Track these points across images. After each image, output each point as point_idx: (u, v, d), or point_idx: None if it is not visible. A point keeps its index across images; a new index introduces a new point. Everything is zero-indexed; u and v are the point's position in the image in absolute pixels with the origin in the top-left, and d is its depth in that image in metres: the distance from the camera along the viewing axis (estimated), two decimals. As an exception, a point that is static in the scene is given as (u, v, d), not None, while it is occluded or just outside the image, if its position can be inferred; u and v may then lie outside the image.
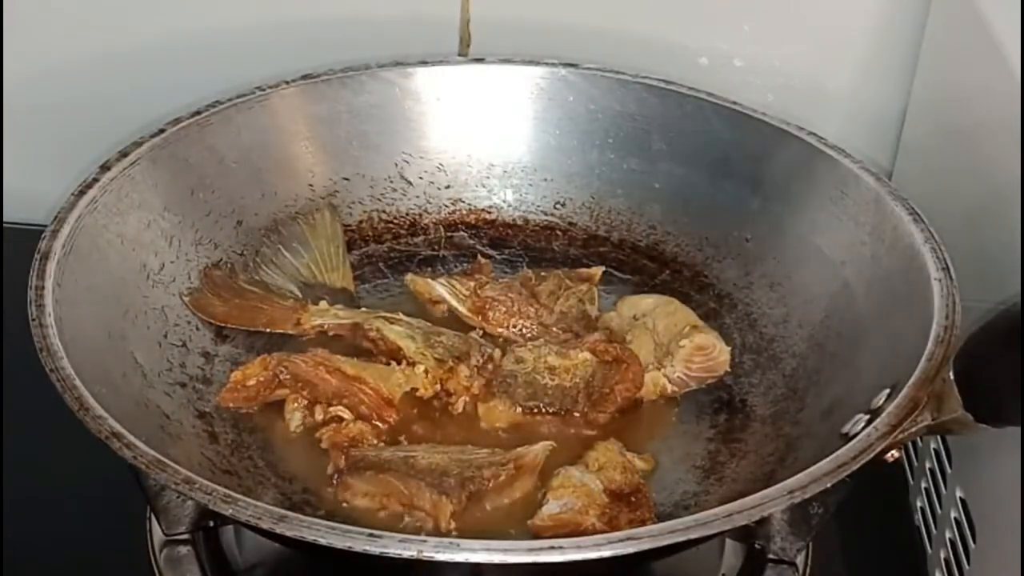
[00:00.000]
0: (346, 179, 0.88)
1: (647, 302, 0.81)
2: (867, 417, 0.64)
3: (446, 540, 0.54)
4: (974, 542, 0.71)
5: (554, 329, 0.80)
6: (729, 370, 0.77)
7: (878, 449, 0.60)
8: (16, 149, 1.01)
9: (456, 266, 0.88)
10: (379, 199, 0.89)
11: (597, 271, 0.85)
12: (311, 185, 0.87)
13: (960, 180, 0.82)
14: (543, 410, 0.74)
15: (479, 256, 0.87)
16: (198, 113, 0.82)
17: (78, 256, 0.71)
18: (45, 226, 0.71)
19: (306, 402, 0.73)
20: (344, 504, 0.68)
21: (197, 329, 0.78)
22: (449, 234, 0.90)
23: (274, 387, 0.73)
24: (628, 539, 0.54)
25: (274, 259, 0.83)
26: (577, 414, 0.74)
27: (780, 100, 0.97)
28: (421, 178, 0.90)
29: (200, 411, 0.73)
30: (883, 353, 0.70)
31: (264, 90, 0.85)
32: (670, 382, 0.76)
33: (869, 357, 0.71)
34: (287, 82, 0.86)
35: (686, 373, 0.76)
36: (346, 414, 0.72)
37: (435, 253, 0.89)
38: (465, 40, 0.98)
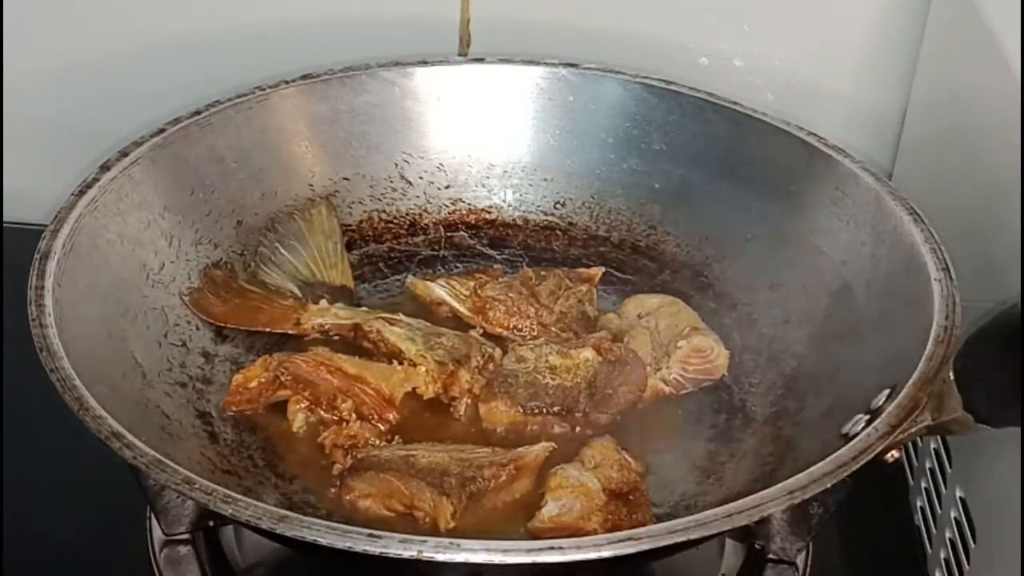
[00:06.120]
0: (346, 179, 0.88)
1: (652, 301, 0.81)
2: (867, 417, 0.64)
3: (446, 540, 0.54)
4: (974, 542, 0.71)
5: (553, 329, 0.80)
6: (727, 372, 0.77)
7: (878, 449, 0.60)
8: (16, 149, 1.01)
9: (456, 266, 0.88)
10: (379, 199, 0.89)
11: (597, 272, 0.85)
12: (311, 185, 0.87)
13: (960, 180, 0.82)
14: (544, 410, 0.74)
15: (491, 263, 0.87)
16: (198, 113, 0.82)
17: (78, 256, 0.71)
18: (45, 226, 0.71)
19: (307, 403, 0.73)
20: (346, 505, 0.68)
21: (197, 329, 0.78)
22: (449, 234, 0.90)
23: (275, 388, 0.73)
24: (628, 539, 0.54)
25: (272, 258, 0.83)
26: (579, 414, 0.74)
27: (780, 100, 0.97)
28: (421, 178, 0.90)
29: (200, 411, 0.73)
30: (883, 353, 0.70)
31: (264, 90, 0.85)
32: (666, 383, 0.76)
33: (869, 357, 0.71)
34: (287, 82, 0.86)
35: (682, 375, 0.76)
36: (347, 415, 0.72)
37: (435, 253, 0.89)
38: (465, 40, 0.98)
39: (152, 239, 0.77)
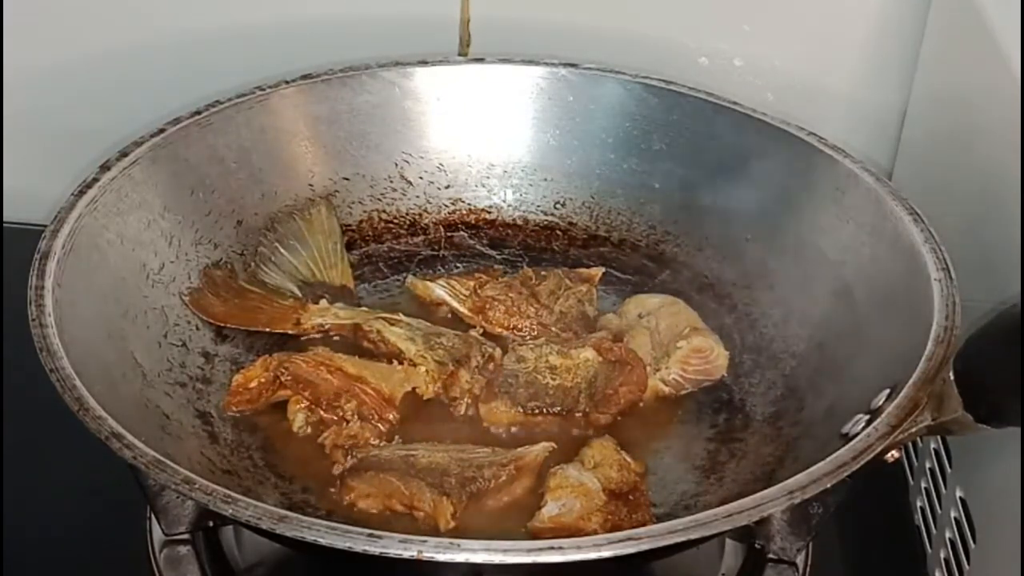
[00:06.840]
0: (346, 179, 0.88)
1: (653, 301, 0.81)
2: (867, 417, 0.64)
3: (446, 540, 0.54)
4: (974, 542, 0.71)
5: (553, 329, 0.80)
6: (727, 372, 0.77)
7: (878, 449, 0.60)
8: (16, 149, 1.01)
9: (456, 266, 0.88)
10: (379, 199, 0.89)
11: (597, 272, 0.85)
12: (311, 185, 0.87)
13: (960, 180, 0.82)
14: (544, 410, 0.74)
15: (491, 263, 0.87)
16: (198, 113, 0.82)
17: (78, 256, 0.71)
18: (45, 226, 0.71)
19: (307, 403, 0.73)
20: (346, 505, 0.68)
21: (197, 329, 0.78)
22: (449, 234, 0.90)
23: (276, 388, 0.73)
24: (628, 539, 0.55)
25: (272, 258, 0.83)
26: (579, 414, 0.74)
27: (780, 100, 0.97)
28: (421, 178, 0.90)
29: (200, 411, 0.73)
30: (883, 353, 0.70)
31: (264, 90, 0.85)
32: (666, 384, 0.76)
33: (869, 357, 0.71)
34: (287, 82, 0.86)
35: (682, 375, 0.76)
36: (349, 415, 0.72)
37: (435, 253, 0.89)
38: (465, 40, 0.98)
39: (152, 239, 0.77)
